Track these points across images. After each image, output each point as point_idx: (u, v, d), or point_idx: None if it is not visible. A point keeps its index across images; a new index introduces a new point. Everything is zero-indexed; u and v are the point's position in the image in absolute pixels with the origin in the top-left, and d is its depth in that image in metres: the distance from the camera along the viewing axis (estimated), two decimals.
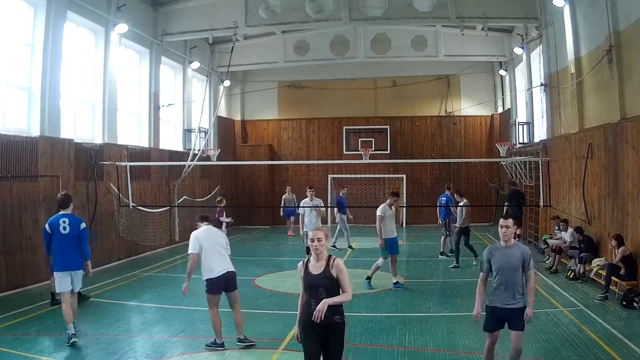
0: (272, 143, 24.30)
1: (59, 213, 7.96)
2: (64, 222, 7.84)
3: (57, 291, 8.12)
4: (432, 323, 8.35)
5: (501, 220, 5.71)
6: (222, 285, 7.34)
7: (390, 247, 10.81)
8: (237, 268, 12.80)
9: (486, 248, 5.87)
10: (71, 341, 7.37)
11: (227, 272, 7.38)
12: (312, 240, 4.86)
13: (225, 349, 7.19)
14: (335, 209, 16.96)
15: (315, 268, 4.82)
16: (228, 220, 15.68)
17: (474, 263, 13.56)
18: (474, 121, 23.25)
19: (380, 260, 10.79)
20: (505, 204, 16.92)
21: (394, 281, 10.82)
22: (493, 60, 21.60)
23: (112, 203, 13.98)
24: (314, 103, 23.62)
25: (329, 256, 4.89)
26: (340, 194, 17.24)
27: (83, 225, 8.08)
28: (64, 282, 7.65)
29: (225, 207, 15.69)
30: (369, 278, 10.80)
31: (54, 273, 7.89)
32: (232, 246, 17.00)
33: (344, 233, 16.60)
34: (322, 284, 4.73)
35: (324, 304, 4.61)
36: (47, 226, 7.90)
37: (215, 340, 7.26)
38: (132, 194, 13.91)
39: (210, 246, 7.33)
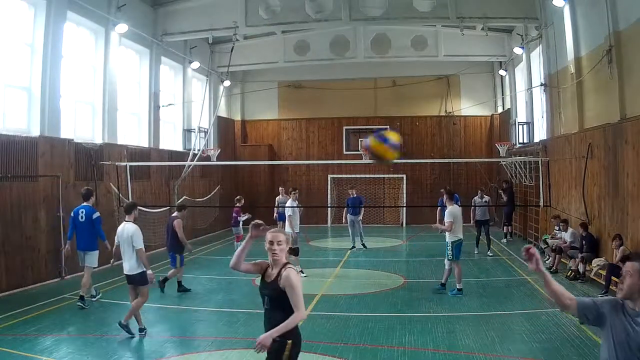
0: (272, 143, 24.30)
1: (82, 204, 9.83)
2: (82, 212, 9.72)
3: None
4: (432, 323, 8.35)
5: (627, 264, 3.28)
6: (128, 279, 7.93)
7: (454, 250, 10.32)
8: None
9: (607, 299, 3.41)
10: (96, 298, 9.78)
11: (126, 274, 7.85)
12: (272, 243, 4.15)
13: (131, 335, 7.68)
14: (348, 209, 16.81)
15: (270, 276, 4.21)
16: (245, 217, 15.79)
17: (489, 254, 14.69)
18: (474, 121, 23.25)
19: (447, 263, 10.45)
20: (502, 201, 17.12)
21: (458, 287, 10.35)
22: (493, 60, 21.59)
23: (112, 203, 13.97)
24: (314, 103, 23.61)
25: (285, 264, 4.20)
26: (355, 194, 17.02)
27: (95, 215, 9.83)
28: (79, 259, 9.79)
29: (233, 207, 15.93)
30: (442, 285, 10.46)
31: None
32: (232, 246, 17.03)
33: (358, 232, 16.48)
34: (267, 294, 4.19)
35: (266, 338, 3.96)
36: (72, 213, 9.86)
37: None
38: (132, 194, 13.92)
39: (121, 243, 7.86)
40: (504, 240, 17.31)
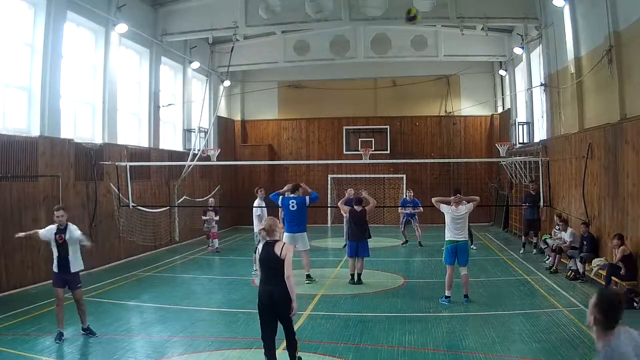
0: (272, 143, 24.31)
1: (290, 195, 11.52)
2: (293, 202, 11.36)
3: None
4: (432, 323, 8.34)
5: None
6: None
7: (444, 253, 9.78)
8: (238, 268, 12.77)
9: None
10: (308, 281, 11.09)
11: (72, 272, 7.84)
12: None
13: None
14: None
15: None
16: (206, 217, 16.32)
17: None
18: (474, 121, 23.25)
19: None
20: (527, 204, 15.05)
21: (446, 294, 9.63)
22: (493, 60, 21.60)
23: (112, 203, 13.98)
24: (314, 103, 23.63)
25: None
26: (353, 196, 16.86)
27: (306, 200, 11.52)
28: (290, 240, 10.85)
29: (216, 207, 16.85)
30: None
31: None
32: (232, 246, 17.08)
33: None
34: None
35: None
36: (279, 202, 11.55)
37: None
38: (132, 194, 13.92)
39: (72, 241, 7.83)
40: (521, 251, 15.07)
